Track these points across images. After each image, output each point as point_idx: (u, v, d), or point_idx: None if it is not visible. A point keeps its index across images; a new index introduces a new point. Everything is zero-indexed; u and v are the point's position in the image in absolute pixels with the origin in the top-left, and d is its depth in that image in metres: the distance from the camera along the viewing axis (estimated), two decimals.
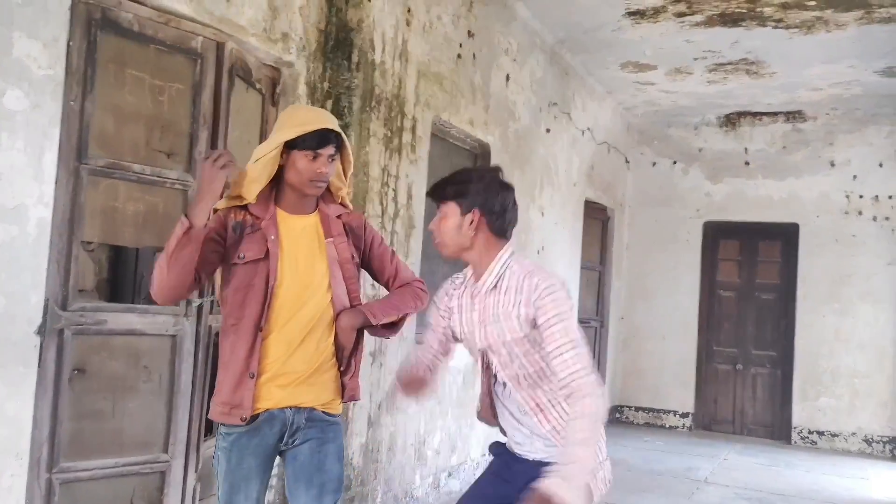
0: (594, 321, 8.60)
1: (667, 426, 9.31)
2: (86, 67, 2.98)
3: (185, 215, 2.19)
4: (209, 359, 3.45)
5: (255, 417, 2.31)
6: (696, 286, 9.29)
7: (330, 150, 2.36)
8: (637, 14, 6.20)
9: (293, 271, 2.35)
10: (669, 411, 9.34)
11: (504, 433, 2.45)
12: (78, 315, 2.99)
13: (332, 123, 2.39)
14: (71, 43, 2.92)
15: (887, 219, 8.55)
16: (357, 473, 4.32)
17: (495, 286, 2.30)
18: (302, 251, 2.38)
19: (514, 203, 2.37)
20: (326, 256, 2.41)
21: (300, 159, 2.33)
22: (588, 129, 8.00)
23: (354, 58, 4.24)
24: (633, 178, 9.63)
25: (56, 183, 2.87)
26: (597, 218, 8.59)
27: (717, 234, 9.28)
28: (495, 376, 2.35)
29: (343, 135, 2.43)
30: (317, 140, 2.33)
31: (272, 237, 2.34)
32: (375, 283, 2.75)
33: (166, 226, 3.36)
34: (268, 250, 2.32)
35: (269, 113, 3.98)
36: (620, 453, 7.59)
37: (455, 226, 2.30)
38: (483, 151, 5.88)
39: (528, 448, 2.35)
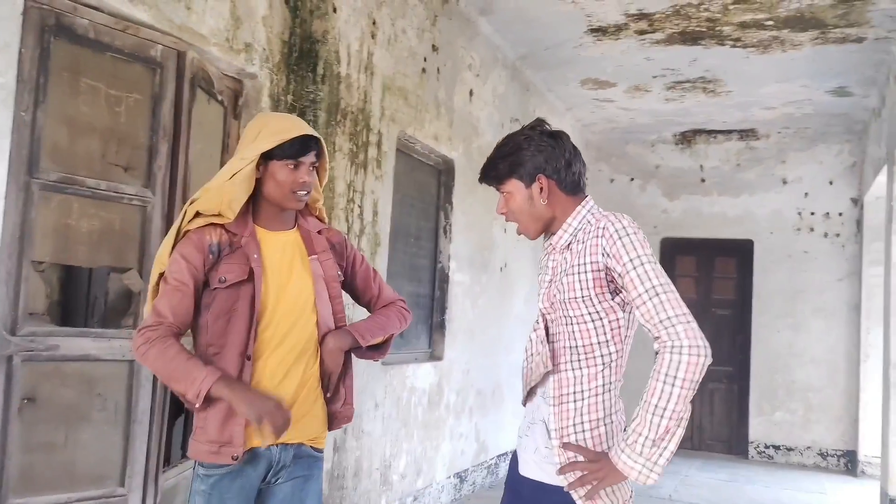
0: None
1: None
2: (38, 76, 2.79)
3: (206, 384, 2.00)
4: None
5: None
6: None
7: (311, 157, 2.18)
8: (599, 31, 6.20)
9: (279, 292, 2.16)
10: None
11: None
12: (28, 340, 2.78)
13: (311, 129, 2.22)
14: (23, 50, 2.72)
15: (837, 235, 8.70)
16: (323, 502, 4.14)
17: (569, 245, 2.05)
18: (285, 270, 2.20)
19: (575, 149, 2.14)
20: (311, 274, 2.23)
21: (280, 170, 2.15)
22: None
23: (320, 70, 4.10)
24: (591, 194, 9.50)
25: (5, 198, 2.68)
26: None
27: (674, 251, 9.34)
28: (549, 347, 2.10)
29: (322, 141, 2.27)
30: (297, 148, 2.15)
31: (255, 256, 2.14)
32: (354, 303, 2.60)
33: (123, 244, 3.18)
34: (251, 271, 2.12)
35: (231, 126, 3.82)
36: None
37: (525, 201, 2.08)
38: (447, 167, 5.79)
39: (524, 460, 2.10)
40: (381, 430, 4.78)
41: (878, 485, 6.96)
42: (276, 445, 2.14)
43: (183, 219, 2.16)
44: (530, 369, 2.14)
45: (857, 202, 8.62)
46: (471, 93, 6.01)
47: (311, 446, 2.22)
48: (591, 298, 1.96)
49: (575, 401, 1.99)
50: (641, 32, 6.18)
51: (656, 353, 1.87)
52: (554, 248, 2.10)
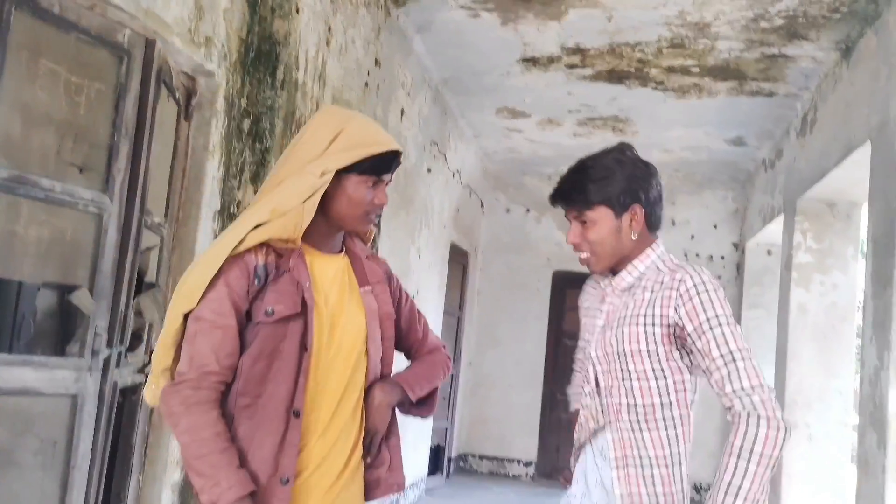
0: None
1: (510, 475, 9.23)
2: None
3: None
4: (111, 425, 2.79)
5: None
6: (543, 335, 9.35)
7: (390, 176, 1.87)
8: (531, 61, 6.14)
9: (333, 331, 1.79)
10: (513, 460, 9.28)
11: None
12: None
13: (396, 143, 1.88)
14: None
15: (719, 277, 9.09)
16: None
17: (630, 288, 1.86)
18: (338, 303, 1.82)
19: (660, 184, 1.94)
20: (365, 310, 1.87)
21: (357, 186, 1.79)
22: (458, 171, 7.84)
23: (279, 75, 3.75)
24: (487, 223, 9.59)
25: None
26: (458, 262, 8.42)
27: (564, 284, 9.42)
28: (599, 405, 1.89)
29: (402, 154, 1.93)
30: (383, 164, 1.82)
31: (306, 284, 1.74)
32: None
33: (72, 257, 2.71)
34: (303, 303, 1.73)
35: (181, 129, 3.38)
36: None
37: (611, 231, 1.86)
38: None
39: None
40: None
41: None
42: None
43: (239, 244, 1.72)
44: (579, 424, 1.96)
45: (738, 247, 9.06)
46: (402, 112, 5.78)
47: None
48: (657, 354, 1.78)
49: (642, 466, 1.80)
50: (572, 66, 6.18)
51: (731, 423, 1.71)
52: (614, 290, 1.89)
